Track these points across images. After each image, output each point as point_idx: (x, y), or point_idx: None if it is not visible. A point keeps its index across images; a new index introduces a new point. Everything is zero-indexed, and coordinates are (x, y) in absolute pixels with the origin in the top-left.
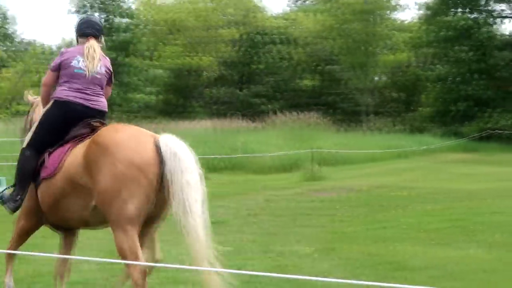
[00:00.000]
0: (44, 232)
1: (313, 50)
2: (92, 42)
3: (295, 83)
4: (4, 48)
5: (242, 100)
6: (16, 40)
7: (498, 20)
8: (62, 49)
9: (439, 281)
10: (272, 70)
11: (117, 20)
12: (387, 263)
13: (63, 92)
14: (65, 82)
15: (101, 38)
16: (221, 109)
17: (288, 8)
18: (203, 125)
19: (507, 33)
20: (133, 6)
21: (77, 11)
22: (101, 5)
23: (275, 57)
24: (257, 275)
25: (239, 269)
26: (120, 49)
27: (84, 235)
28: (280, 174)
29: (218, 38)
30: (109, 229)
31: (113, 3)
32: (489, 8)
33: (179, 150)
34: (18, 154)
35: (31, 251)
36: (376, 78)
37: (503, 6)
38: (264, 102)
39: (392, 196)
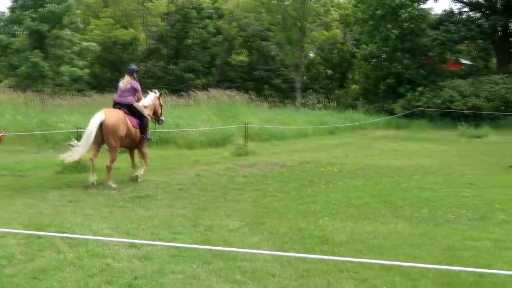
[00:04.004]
0: None
1: (245, 25)
2: (126, 77)
3: (228, 58)
4: None
5: (175, 74)
6: None
7: None
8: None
9: (365, 255)
10: (205, 45)
11: None
12: (316, 237)
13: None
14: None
15: (135, 74)
16: (153, 83)
17: None
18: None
19: (439, 12)
20: None
21: None
22: None
23: (210, 32)
24: (186, 249)
25: (168, 242)
26: (52, 21)
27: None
28: (212, 149)
29: (152, 12)
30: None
31: None
32: None
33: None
34: None
35: None
36: (311, 55)
37: None
38: (197, 77)
39: (323, 172)
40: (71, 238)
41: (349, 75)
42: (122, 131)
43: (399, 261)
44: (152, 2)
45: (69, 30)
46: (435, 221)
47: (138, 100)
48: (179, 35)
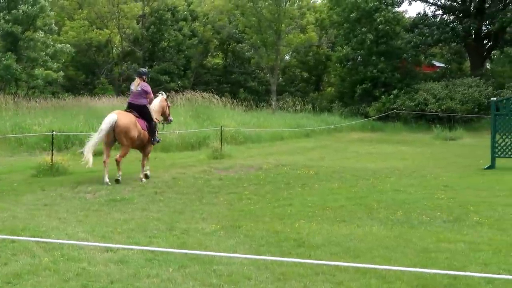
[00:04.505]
0: None
1: (220, 27)
2: (136, 79)
3: (203, 61)
4: None
5: (151, 77)
6: None
7: (406, 1)
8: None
9: (341, 258)
10: (180, 47)
11: None
12: (292, 240)
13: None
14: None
15: (144, 77)
16: (128, 85)
17: None
18: (109, 102)
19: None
20: None
21: None
22: None
23: (186, 34)
24: (161, 252)
25: (143, 246)
26: (25, 23)
27: None
28: (188, 152)
29: (127, 14)
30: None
31: None
32: None
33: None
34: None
35: None
36: (286, 57)
37: None
38: (172, 80)
39: (299, 175)
40: (46, 242)
41: (325, 78)
42: (133, 133)
43: (375, 263)
44: (127, 5)
45: (43, 32)
46: (410, 223)
47: (150, 101)
48: (154, 38)
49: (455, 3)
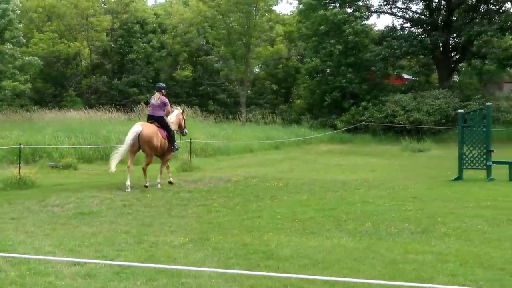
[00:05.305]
0: None
1: (189, 40)
2: (156, 93)
3: (173, 74)
4: None
5: (119, 89)
6: None
7: (375, 14)
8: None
9: (310, 270)
10: (149, 60)
11: None
12: (261, 252)
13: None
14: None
15: (163, 91)
16: (97, 98)
17: None
18: (78, 115)
19: (382, 27)
20: None
21: None
22: None
23: (154, 46)
24: (129, 266)
25: (111, 260)
26: None
27: None
28: (157, 164)
29: (97, 26)
30: None
31: None
32: (367, 3)
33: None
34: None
35: None
36: (256, 70)
37: (380, 1)
38: (141, 92)
39: (268, 187)
40: (12, 257)
41: (294, 90)
42: (156, 142)
43: (343, 275)
44: (96, 17)
45: (10, 45)
46: (378, 234)
47: (167, 112)
48: (123, 50)
49: (423, 16)
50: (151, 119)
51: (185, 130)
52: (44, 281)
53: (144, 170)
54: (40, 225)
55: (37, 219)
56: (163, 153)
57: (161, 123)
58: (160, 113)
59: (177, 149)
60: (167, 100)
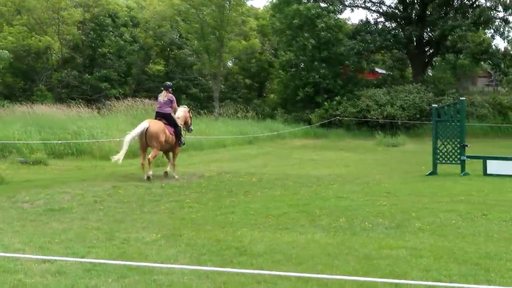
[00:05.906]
0: None
1: (161, 34)
2: (163, 91)
3: (145, 68)
4: None
5: (90, 84)
6: None
7: (349, 9)
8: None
9: (283, 265)
10: (121, 53)
11: None
12: (234, 248)
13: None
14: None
15: (170, 89)
16: (68, 93)
17: None
18: (48, 110)
19: (356, 22)
20: None
21: None
22: None
23: (126, 40)
24: (100, 263)
25: (82, 257)
26: None
27: None
28: (129, 160)
29: (67, 20)
30: None
31: None
32: None
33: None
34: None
35: None
36: (229, 64)
37: None
38: (112, 87)
39: (241, 182)
40: None
41: (268, 84)
42: (162, 138)
43: (317, 271)
44: (67, 11)
45: None
46: (352, 230)
47: (174, 110)
48: (94, 44)
49: (397, 11)
50: (159, 115)
51: (191, 127)
52: (13, 279)
53: (150, 161)
54: (9, 221)
55: (6, 215)
56: (171, 148)
57: (169, 119)
58: (168, 110)
59: (183, 144)
60: (174, 98)
